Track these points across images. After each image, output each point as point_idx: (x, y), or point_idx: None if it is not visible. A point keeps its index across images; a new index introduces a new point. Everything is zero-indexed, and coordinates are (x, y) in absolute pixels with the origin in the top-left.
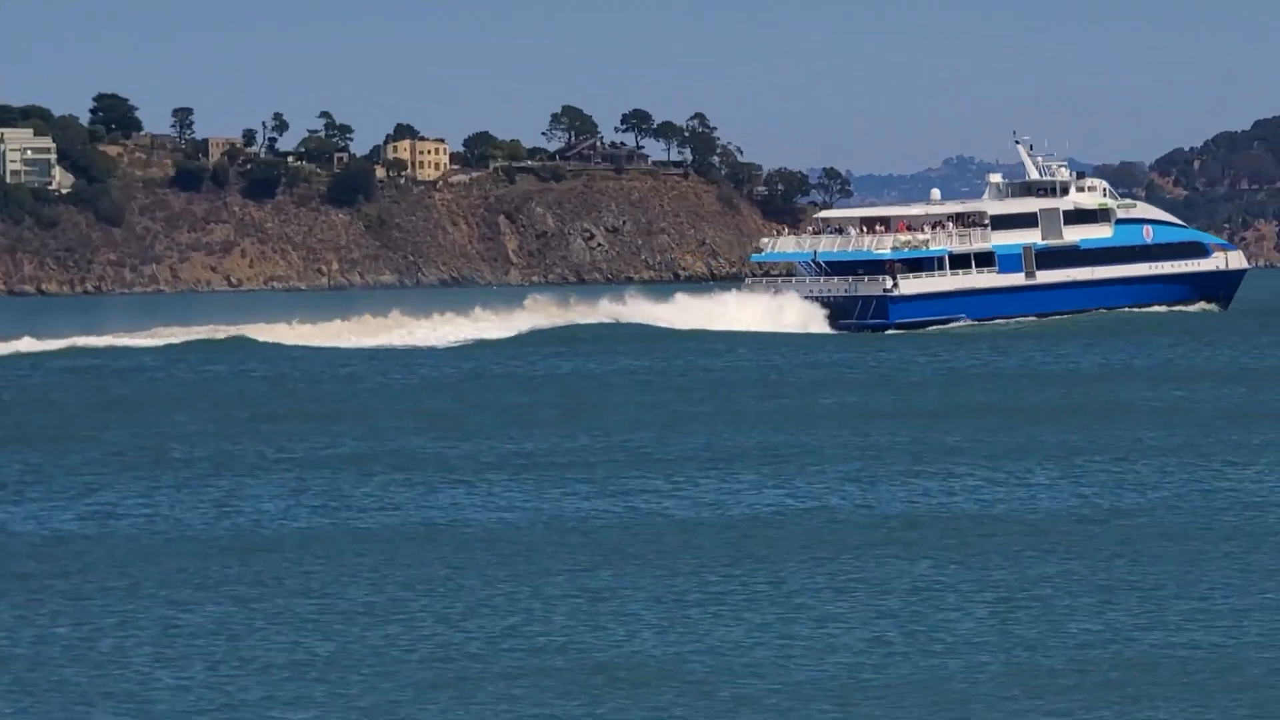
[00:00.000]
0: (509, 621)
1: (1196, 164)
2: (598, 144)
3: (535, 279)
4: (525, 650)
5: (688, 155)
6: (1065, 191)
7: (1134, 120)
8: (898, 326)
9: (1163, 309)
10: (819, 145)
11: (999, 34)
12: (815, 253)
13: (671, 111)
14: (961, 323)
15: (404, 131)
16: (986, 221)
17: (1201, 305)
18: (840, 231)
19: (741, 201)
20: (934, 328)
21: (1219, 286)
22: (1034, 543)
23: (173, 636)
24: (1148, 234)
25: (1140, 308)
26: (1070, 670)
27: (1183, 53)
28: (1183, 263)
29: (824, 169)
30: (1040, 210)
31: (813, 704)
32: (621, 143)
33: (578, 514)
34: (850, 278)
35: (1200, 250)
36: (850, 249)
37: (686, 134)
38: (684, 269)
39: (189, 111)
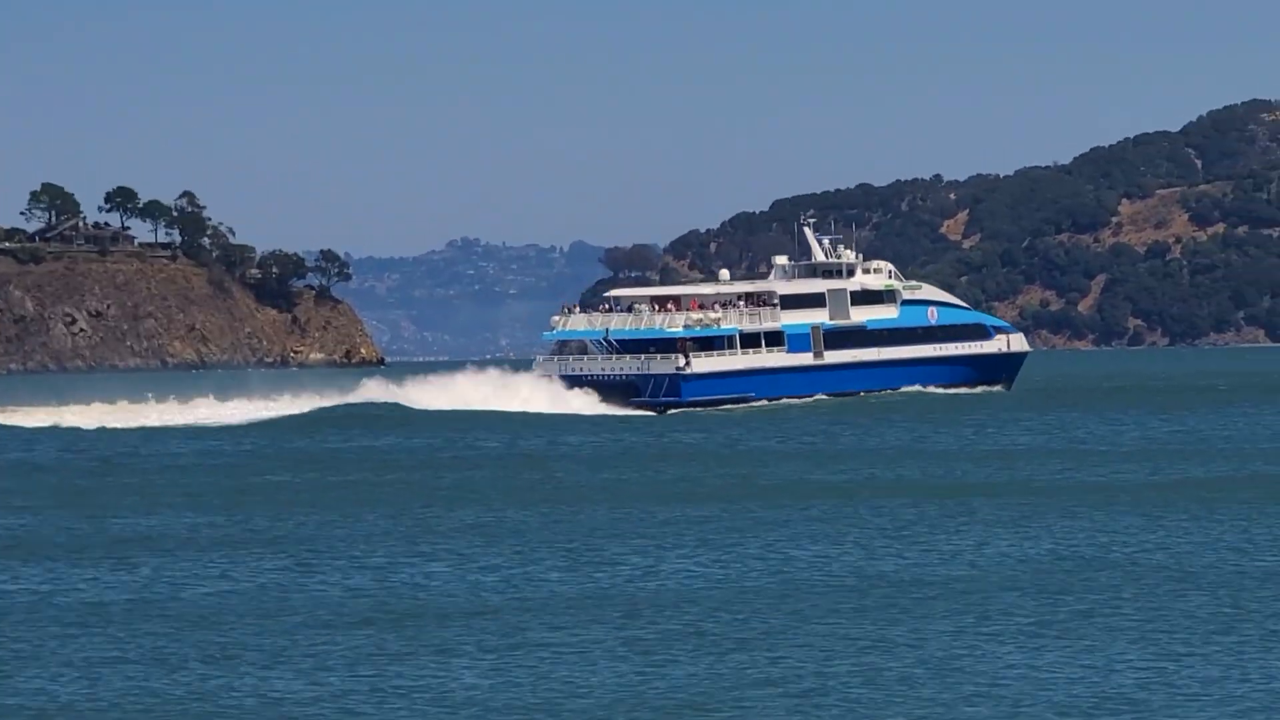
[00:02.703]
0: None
1: (713, 246)
2: (80, 224)
3: (14, 366)
4: None
5: (176, 236)
6: (851, 273)
7: (648, 201)
8: (690, 405)
9: (942, 390)
10: (316, 227)
11: (502, 115)
12: (607, 330)
13: (159, 190)
14: (752, 402)
15: None
16: (776, 301)
17: (983, 387)
18: (631, 309)
19: (234, 285)
20: (724, 407)
21: (1001, 368)
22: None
23: None
24: (932, 315)
25: (924, 388)
26: None
27: (699, 133)
28: (965, 344)
29: (321, 251)
30: (828, 290)
31: None
32: (106, 223)
33: None
34: (643, 356)
35: (982, 332)
36: (643, 327)
37: (175, 214)
38: (173, 355)
39: None
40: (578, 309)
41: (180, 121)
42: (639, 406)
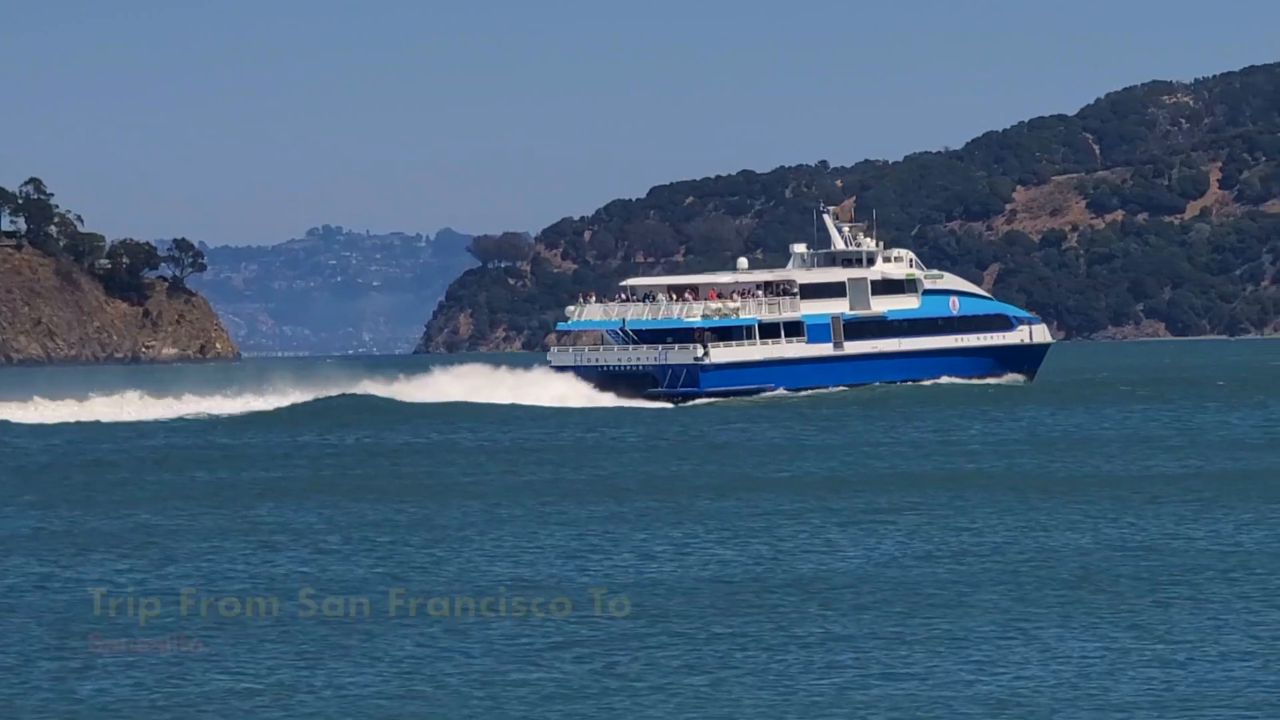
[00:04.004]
0: None
1: (587, 235)
2: None
3: None
4: None
5: (21, 225)
6: (872, 261)
7: (519, 187)
8: (708, 395)
9: (963, 381)
10: (169, 214)
11: (367, 96)
12: (624, 321)
13: (2, 176)
14: (773, 392)
15: None
16: (795, 290)
17: (1010, 377)
18: (649, 299)
19: (82, 276)
20: (744, 397)
21: (1023, 359)
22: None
23: None
24: (954, 305)
25: (946, 379)
26: None
27: (572, 116)
28: (988, 335)
29: (175, 240)
30: (848, 280)
31: None
32: None
33: None
34: (660, 346)
35: (1005, 323)
36: (660, 316)
37: (20, 201)
38: (18, 351)
39: None
40: (593, 298)
41: (26, 104)
42: (656, 398)
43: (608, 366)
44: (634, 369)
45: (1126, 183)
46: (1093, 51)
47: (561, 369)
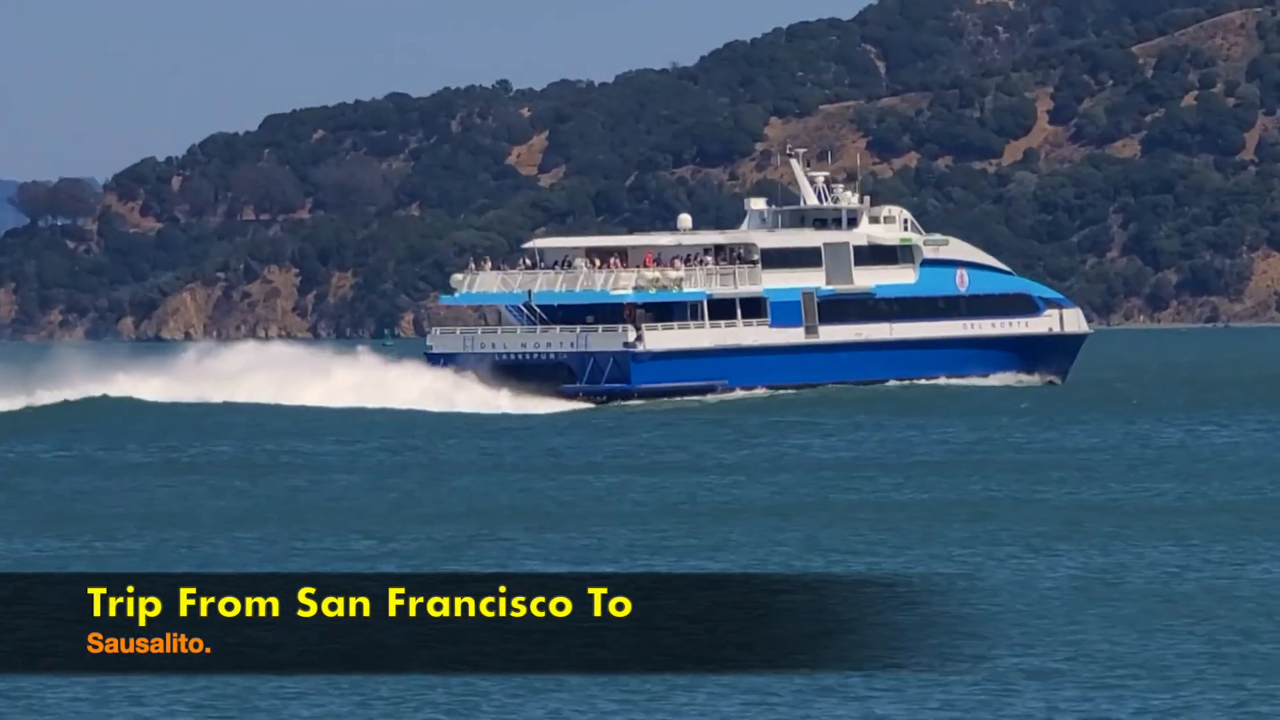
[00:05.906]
0: None
1: (176, 182)
2: None
3: None
4: None
5: None
6: (854, 222)
7: (79, 117)
8: (641, 394)
9: (982, 382)
10: None
11: None
12: (529, 294)
13: None
14: (724, 391)
15: None
16: (756, 257)
17: (1038, 378)
18: (563, 265)
19: None
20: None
21: (1050, 354)
22: None
23: None
24: (962, 280)
25: (950, 379)
26: None
27: (156, 22)
28: (1006, 321)
29: None
30: (825, 245)
31: None
32: None
33: None
34: (577, 327)
35: (1028, 305)
36: (578, 288)
37: None
38: None
39: None
40: (488, 264)
41: None
42: (573, 396)
43: (507, 354)
44: (544, 358)
45: (922, 114)
46: None
47: (439, 358)
